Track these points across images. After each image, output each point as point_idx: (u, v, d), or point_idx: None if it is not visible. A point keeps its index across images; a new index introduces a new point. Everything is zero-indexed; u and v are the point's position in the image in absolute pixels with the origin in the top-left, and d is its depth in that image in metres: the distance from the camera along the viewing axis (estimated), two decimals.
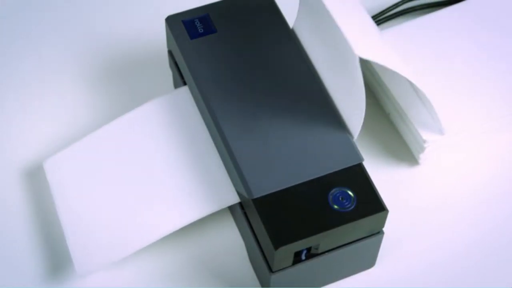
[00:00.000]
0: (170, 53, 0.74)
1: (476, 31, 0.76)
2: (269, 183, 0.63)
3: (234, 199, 0.65)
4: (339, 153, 0.64)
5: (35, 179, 0.72)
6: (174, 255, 0.69)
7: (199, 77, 0.68)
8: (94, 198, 0.67)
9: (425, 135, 0.70)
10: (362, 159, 0.64)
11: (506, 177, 0.73)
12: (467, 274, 0.68)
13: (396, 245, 0.69)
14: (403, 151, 0.74)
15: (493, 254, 0.69)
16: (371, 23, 0.67)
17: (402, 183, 0.73)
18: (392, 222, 0.68)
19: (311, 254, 0.63)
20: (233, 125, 0.65)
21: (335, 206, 0.62)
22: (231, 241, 0.69)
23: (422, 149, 0.71)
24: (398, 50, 0.72)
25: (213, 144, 0.68)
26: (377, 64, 0.73)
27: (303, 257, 0.63)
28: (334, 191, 0.63)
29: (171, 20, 0.71)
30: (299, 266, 0.63)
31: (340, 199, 0.62)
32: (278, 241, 0.60)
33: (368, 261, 0.67)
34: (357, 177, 0.63)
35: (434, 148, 0.72)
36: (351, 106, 0.65)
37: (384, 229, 0.65)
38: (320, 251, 0.63)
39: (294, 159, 0.64)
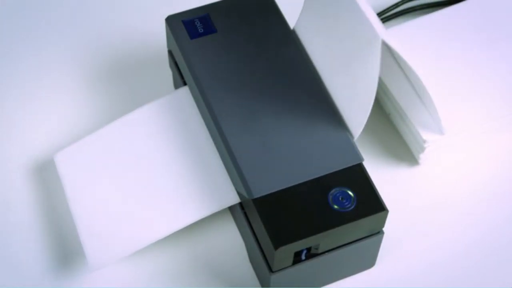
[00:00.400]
0: (170, 53, 0.74)
1: (476, 31, 0.76)
2: (269, 183, 0.63)
3: (234, 199, 0.65)
4: (339, 153, 0.64)
5: (43, 174, 0.73)
6: (174, 255, 0.69)
7: (199, 77, 0.68)
8: (104, 193, 0.68)
9: (425, 135, 0.70)
10: (362, 159, 0.64)
11: (506, 177, 0.73)
12: (467, 274, 0.68)
13: (396, 245, 0.69)
14: (403, 151, 0.74)
15: (493, 254, 0.69)
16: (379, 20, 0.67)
17: (402, 183, 0.73)
18: (392, 222, 0.68)
19: (311, 254, 0.63)
20: (233, 125, 0.65)
21: (335, 206, 0.62)
22: (231, 241, 0.69)
23: (422, 149, 0.71)
24: None
25: (213, 144, 0.68)
26: (387, 57, 0.73)
27: (303, 257, 0.63)
28: (334, 191, 0.63)
29: (171, 20, 0.71)
30: (299, 266, 0.63)
31: (340, 199, 0.62)
32: (278, 241, 0.60)
33: (368, 261, 0.67)
34: (357, 177, 0.63)
35: (434, 148, 0.72)
36: (354, 105, 0.65)
37: (384, 229, 0.65)
38: (320, 251, 0.63)
39: (294, 159, 0.64)
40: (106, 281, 0.67)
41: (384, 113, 0.76)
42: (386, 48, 0.70)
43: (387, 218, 0.64)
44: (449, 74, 0.73)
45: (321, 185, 0.63)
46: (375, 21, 0.62)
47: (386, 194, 0.68)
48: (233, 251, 0.69)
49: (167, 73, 0.78)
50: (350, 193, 0.63)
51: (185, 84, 0.72)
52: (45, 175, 0.73)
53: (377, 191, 0.63)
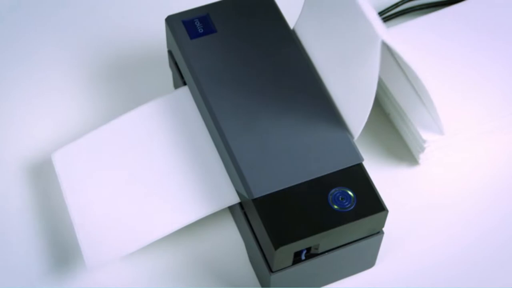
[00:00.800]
0: (170, 53, 0.74)
1: (476, 31, 0.76)
2: (269, 183, 0.63)
3: (234, 199, 0.65)
4: (339, 153, 0.64)
5: (41, 174, 0.72)
6: (174, 255, 0.69)
7: (199, 77, 0.68)
8: (102, 192, 0.68)
9: (425, 135, 0.70)
10: (362, 159, 0.64)
11: (506, 177, 0.73)
12: (467, 273, 0.68)
13: (396, 245, 0.69)
14: (403, 151, 0.74)
15: (493, 254, 0.69)
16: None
17: (402, 183, 0.73)
18: (392, 222, 0.68)
19: (311, 254, 0.63)
20: (233, 125, 0.65)
21: (335, 206, 0.62)
22: (231, 241, 0.69)
23: (422, 149, 0.71)
24: None
25: (213, 144, 0.68)
26: (387, 57, 0.73)
27: (303, 257, 0.63)
28: (334, 191, 0.63)
29: (171, 20, 0.71)
30: (299, 266, 0.63)
31: (340, 199, 0.62)
32: (278, 241, 0.60)
33: (368, 261, 0.67)
34: (357, 177, 0.63)
35: (434, 148, 0.72)
36: (354, 105, 0.65)
37: (384, 229, 0.65)
38: (320, 251, 0.63)
39: (294, 159, 0.64)
40: (106, 281, 0.67)
41: (384, 113, 0.76)
42: (386, 48, 0.70)
43: (387, 218, 0.64)
44: (449, 74, 0.73)
45: (321, 185, 0.63)
46: (376, 21, 0.62)
47: (386, 194, 0.68)
48: (233, 251, 0.69)
49: (167, 73, 0.78)
50: (350, 193, 0.63)
51: (185, 84, 0.72)
52: (44, 174, 0.73)
53: (377, 191, 0.63)
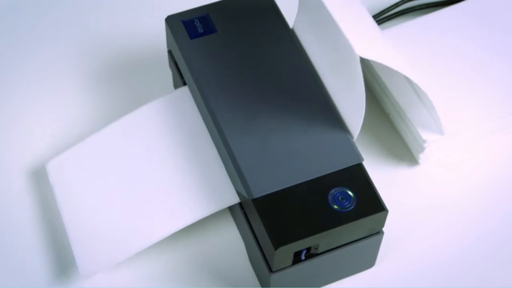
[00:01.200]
0: (170, 53, 0.74)
1: (476, 31, 0.76)
2: (269, 183, 0.63)
3: (234, 199, 0.65)
4: (339, 153, 0.64)
5: (38, 180, 0.72)
6: (174, 255, 0.69)
7: (199, 77, 0.68)
8: (97, 199, 0.68)
9: (425, 135, 0.70)
10: (362, 159, 0.64)
11: (506, 177, 0.73)
12: (467, 273, 0.68)
13: (396, 245, 0.69)
14: (403, 151, 0.74)
15: (493, 254, 0.69)
16: (372, 22, 0.67)
17: (402, 183, 0.73)
18: (392, 222, 0.68)
19: (310, 254, 0.63)
20: (233, 125, 0.65)
21: (335, 206, 0.62)
22: (231, 241, 0.69)
23: (422, 149, 0.71)
24: (398, 50, 0.72)
25: (213, 144, 0.68)
26: (377, 63, 0.73)
27: (302, 257, 0.63)
28: (334, 191, 0.63)
29: (171, 20, 0.71)
30: (299, 266, 0.63)
31: (340, 199, 0.62)
32: (278, 241, 0.60)
33: (368, 261, 0.67)
34: (357, 177, 0.63)
35: (434, 148, 0.72)
36: (351, 106, 0.65)
37: (384, 229, 0.65)
38: (320, 251, 0.63)
39: (294, 159, 0.64)
40: (106, 281, 0.67)
41: (384, 113, 0.76)
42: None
43: (387, 218, 0.64)
44: (449, 74, 0.73)
45: (321, 185, 0.63)
46: (354, 34, 0.60)
47: (386, 194, 0.68)
48: (233, 251, 0.69)
49: (167, 73, 0.78)
50: (350, 193, 0.63)
51: (185, 84, 0.72)
52: (44, 178, 0.72)
53: (377, 191, 0.63)
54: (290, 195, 0.62)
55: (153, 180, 0.67)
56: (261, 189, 0.62)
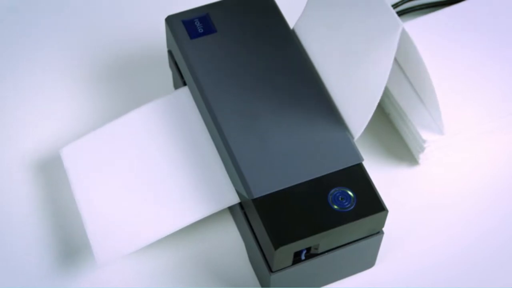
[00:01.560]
0: (170, 53, 0.74)
1: (476, 31, 0.76)
2: (269, 183, 0.63)
3: (234, 199, 0.65)
4: (339, 153, 0.64)
5: (47, 171, 0.73)
6: (174, 255, 0.69)
7: (199, 77, 0.68)
8: (110, 188, 0.68)
9: (425, 135, 0.70)
10: (362, 159, 0.64)
11: (506, 177, 0.73)
12: (467, 274, 0.68)
13: (396, 245, 0.69)
14: (403, 151, 0.74)
15: (493, 254, 0.69)
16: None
17: (402, 183, 0.73)
18: (392, 222, 0.68)
19: (310, 254, 0.63)
20: (233, 125, 0.65)
21: (335, 206, 0.62)
22: (231, 241, 0.69)
23: (422, 149, 0.71)
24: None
25: (213, 144, 0.68)
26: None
27: (302, 257, 0.63)
28: (334, 191, 0.63)
29: (171, 20, 0.71)
30: (299, 266, 0.63)
31: (340, 199, 0.62)
32: (278, 241, 0.60)
33: (368, 261, 0.67)
34: (357, 177, 0.63)
35: (434, 148, 0.72)
36: (357, 105, 0.65)
37: (384, 229, 0.65)
38: (319, 251, 0.63)
39: (294, 159, 0.64)
40: (106, 281, 0.67)
41: (384, 113, 0.76)
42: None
43: (387, 218, 0.64)
44: (449, 74, 0.73)
45: (321, 185, 0.63)
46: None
47: (386, 194, 0.68)
48: (233, 251, 0.69)
49: (167, 73, 0.78)
50: (350, 193, 0.63)
51: (185, 84, 0.72)
52: (49, 172, 0.73)
53: (377, 191, 0.63)
54: (290, 195, 0.62)
55: (153, 180, 0.67)
56: (261, 189, 0.62)
